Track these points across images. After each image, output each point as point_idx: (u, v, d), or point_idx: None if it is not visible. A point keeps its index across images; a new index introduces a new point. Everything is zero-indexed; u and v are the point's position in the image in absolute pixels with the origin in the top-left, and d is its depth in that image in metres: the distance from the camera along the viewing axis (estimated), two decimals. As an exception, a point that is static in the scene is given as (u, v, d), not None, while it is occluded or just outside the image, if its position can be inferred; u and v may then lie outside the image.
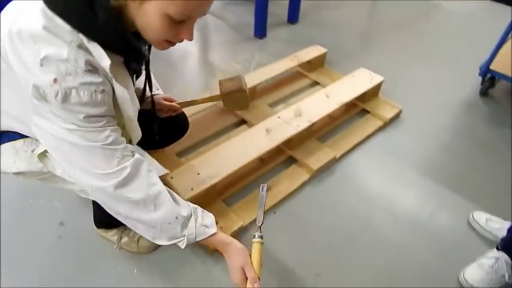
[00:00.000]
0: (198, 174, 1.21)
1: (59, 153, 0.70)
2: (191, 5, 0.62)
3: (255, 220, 1.19)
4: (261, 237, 0.78)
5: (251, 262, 0.74)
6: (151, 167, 0.74)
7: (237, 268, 0.75)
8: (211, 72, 1.92)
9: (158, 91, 1.05)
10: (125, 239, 1.16)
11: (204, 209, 0.82)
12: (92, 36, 0.63)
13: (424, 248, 1.25)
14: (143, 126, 0.81)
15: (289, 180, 1.41)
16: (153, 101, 0.93)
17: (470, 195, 1.42)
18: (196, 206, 0.80)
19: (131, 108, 0.73)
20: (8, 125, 0.79)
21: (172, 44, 0.69)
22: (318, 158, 1.47)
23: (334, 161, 1.52)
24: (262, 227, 0.80)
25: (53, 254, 1.16)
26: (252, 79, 1.67)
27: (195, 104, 1.10)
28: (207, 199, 1.24)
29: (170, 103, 1.04)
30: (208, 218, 0.79)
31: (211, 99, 1.09)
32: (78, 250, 1.17)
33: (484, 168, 1.53)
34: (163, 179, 1.16)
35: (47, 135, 0.69)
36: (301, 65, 1.87)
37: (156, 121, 0.96)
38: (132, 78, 0.77)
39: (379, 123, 1.70)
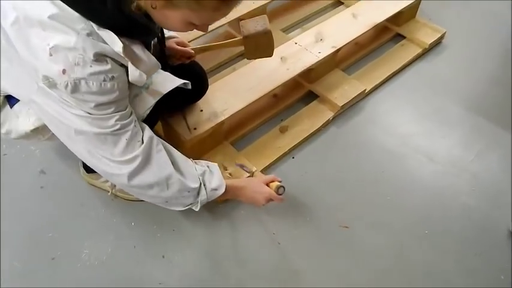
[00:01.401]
0: (201, 111, 1.22)
1: (63, 135, 0.83)
2: (216, 16, 0.75)
3: (269, 166, 1.26)
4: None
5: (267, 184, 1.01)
6: (159, 143, 0.87)
7: (260, 199, 1.00)
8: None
9: (169, 33, 1.07)
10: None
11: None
12: (101, 22, 0.72)
13: (467, 192, 1.27)
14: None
15: (309, 119, 1.40)
16: (162, 43, 0.96)
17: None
18: (204, 167, 0.95)
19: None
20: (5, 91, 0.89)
21: None
22: (343, 93, 1.44)
23: (363, 96, 1.51)
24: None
25: (38, 208, 1.17)
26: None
27: (212, 50, 1.11)
28: (212, 141, 1.25)
29: (183, 48, 1.06)
30: (216, 178, 0.95)
31: (230, 44, 1.10)
32: (65, 202, 1.18)
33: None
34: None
35: (51, 118, 0.80)
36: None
37: (168, 70, 0.98)
38: (150, 50, 0.86)
39: (417, 50, 1.66)
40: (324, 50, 1.42)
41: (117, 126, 0.80)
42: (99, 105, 0.76)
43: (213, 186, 0.95)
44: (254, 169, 1.19)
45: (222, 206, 1.18)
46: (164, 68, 0.95)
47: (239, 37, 1.08)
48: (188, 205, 0.95)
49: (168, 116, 1.19)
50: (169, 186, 0.89)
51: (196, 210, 0.96)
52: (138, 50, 0.78)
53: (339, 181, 1.28)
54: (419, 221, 1.20)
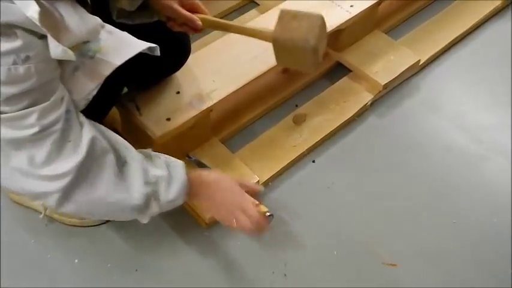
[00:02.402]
0: (178, 93, 1.14)
1: None
2: None
3: (278, 174, 1.21)
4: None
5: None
6: (105, 141, 0.87)
7: (230, 208, 0.97)
8: None
9: None
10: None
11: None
12: None
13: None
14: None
15: (336, 105, 1.34)
16: None
17: None
18: (162, 169, 0.93)
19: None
20: None
21: None
22: (387, 66, 1.37)
23: (417, 70, 1.45)
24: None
25: None
26: None
27: (229, 31, 1.06)
28: (195, 137, 1.19)
29: (190, 14, 1.01)
30: (175, 186, 0.93)
31: (258, 34, 1.03)
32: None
33: None
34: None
35: None
36: None
37: (158, 35, 0.95)
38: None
39: (495, 1, 1.60)
40: (358, 3, 1.34)
41: (36, 129, 0.76)
42: (7, 99, 0.73)
43: (171, 198, 0.93)
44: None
45: (207, 233, 1.12)
46: (123, 26, 0.90)
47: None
48: (133, 218, 0.95)
49: (128, 99, 1.14)
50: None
51: (144, 222, 0.95)
52: (65, 9, 0.74)
53: (381, 197, 1.22)
54: (503, 257, 1.13)
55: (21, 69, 0.71)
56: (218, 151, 1.19)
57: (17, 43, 0.70)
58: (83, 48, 0.79)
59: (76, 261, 1.07)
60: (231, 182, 1.02)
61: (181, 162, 0.98)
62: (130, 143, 0.95)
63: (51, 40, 0.71)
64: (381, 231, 1.14)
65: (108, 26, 0.83)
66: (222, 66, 1.19)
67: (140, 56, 0.87)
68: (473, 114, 1.37)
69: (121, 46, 0.86)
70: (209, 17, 1.04)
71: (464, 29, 1.52)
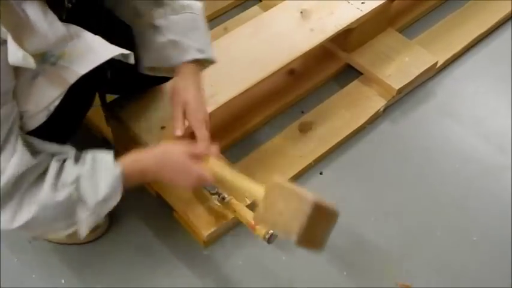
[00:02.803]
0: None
1: None
2: None
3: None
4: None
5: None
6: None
7: (184, 183, 0.95)
8: None
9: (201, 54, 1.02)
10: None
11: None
12: None
13: None
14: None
15: (346, 110, 1.34)
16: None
17: None
18: (84, 165, 0.87)
19: None
20: None
21: None
22: (401, 68, 1.37)
23: (434, 73, 1.44)
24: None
25: None
26: None
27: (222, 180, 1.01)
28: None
29: (204, 133, 1.01)
30: (104, 181, 0.86)
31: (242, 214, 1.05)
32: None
33: None
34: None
35: None
36: None
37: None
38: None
39: None
40: (369, 1, 1.33)
41: None
42: None
43: (102, 197, 0.85)
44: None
45: (207, 253, 1.11)
46: (99, 27, 0.87)
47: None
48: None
49: (118, 106, 1.13)
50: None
51: (83, 235, 0.89)
52: (34, 11, 0.72)
53: (394, 212, 1.21)
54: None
55: None
56: (217, 162, 1.14)
57: None
58: (45, 54, 0.77)
59: (63, 281, 1.06)
60: (177, 158, 0.95)
61: (110, 153, 0.91)
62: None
63: (11, 43, 0.69)
64: (394, 249, 1.13)
65: (78, 29, 0.81)
66: (221, 70, 1.15)
67: (126, 62, 0.86)
68: (493, 120, 1.36)
69: (88, 52, 0.83)
70: (215, 161, 1.00)
71: (485, 28, 1.50)
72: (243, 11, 1.51)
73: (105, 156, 0.89)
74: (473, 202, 1.21)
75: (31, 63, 0.72)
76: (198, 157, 0.95)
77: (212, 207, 1.14)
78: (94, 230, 1.12)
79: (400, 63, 1.36)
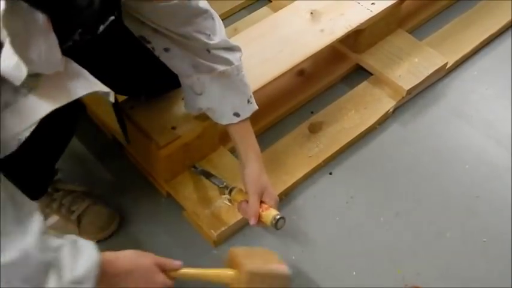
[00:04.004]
0: (183, 99, 1.13)
1: None
2: None
3: (292, 187, 1.20)
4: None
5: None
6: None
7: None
8: None
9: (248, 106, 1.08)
10: (54, 218, 1.14)
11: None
12: None
13: None
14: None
15: (356, 112, 1.34)
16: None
17: None
18: (61, 242, 0.80)
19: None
20: None
21: None
22: (411, 69, 1.37)
23: (444, 74, 1.43)
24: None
25: None
26: None
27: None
28: (201, 146, 1.18)
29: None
30: (83, 262, 0.80)
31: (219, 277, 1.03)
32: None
33: None
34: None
35: None
36: None
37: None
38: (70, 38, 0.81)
39: None
40: (379, 2, 1.33)
41: None
42: None
43: (78, 274, 0.77)
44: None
45: (217, 252, 1.10)
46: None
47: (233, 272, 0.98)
48: None
49: (129, 106, 1.12)
50: None
51: None
52: (34, 25, 0.69)
53: (404, 213, 1.20)
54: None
55: None
56: (226, 161, 1.18)
57: None
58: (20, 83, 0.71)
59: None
60: (147, 268, 0.92)
61: (91, 242, 0.85)
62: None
63: (7, 48, 0.66)
64: (404, 250, 1.13)
65: (68, 59, 0.78)
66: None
67: (147, 69, 0.88)
68: (504, 122, 1.35)
69: (64, 86, 0.79)
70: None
71: (496, 29, 1.50)
72: (252, 12, 1.51)
73: (86, 242, 0.84)
74: (484, 204, 1.20)
75: (23, 73, 0.68)
76: (162, 266, 0.93)
77: (222, 206, 1.13)
78: (104, 229, 1.14)
79: (410, 64, 1.36)
